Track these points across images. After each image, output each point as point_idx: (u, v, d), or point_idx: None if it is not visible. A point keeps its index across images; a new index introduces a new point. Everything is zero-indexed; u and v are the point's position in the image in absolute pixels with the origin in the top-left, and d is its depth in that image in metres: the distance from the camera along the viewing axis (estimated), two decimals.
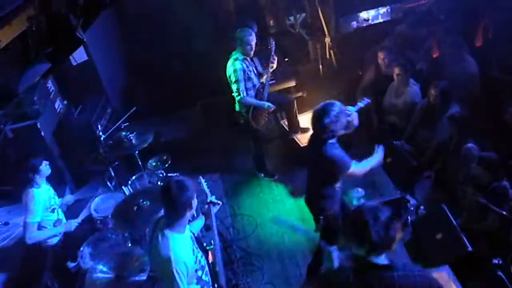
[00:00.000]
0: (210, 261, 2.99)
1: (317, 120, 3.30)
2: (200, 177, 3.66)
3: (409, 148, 5.31)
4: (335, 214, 3.67)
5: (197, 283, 2.78)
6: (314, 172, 3.71)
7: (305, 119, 5.97)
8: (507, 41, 5.50)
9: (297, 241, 4.61)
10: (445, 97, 4.82)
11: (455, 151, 4.42)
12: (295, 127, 5.64)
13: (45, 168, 4.04)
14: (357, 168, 3.47)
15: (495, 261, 3.67)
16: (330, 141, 3.37)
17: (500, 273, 3.41)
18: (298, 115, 5.66)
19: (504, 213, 3.42)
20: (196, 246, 2.85)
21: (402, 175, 4.85)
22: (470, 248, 3.67)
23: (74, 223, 4.23)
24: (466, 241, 3.72)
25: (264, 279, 4.24)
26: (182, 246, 2.68)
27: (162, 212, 2.82)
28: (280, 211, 5.02)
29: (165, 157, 5.09)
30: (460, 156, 4.33)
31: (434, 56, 5.90)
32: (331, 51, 6.06)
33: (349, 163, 3.39)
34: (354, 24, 6.30)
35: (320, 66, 6.27)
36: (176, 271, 2.56)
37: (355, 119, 3.58)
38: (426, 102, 5.12)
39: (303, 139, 5.60)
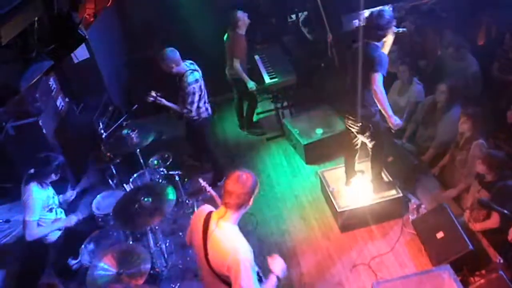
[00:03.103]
0: None
1: (371, 20, 3.80)
2: (200, 179, 3.70)
3: (410, 147, 5.31)
4: (379, 120, 4.16)
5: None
6: (354, 82, 3.96)
7: (305, 119, 5.99)
8: (508, 40, 5.49)
9: (298, 240, 4.61)
10: (452, 96, 4.82)
11: (465, 146, 4.42)
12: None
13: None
14: (382, 86, 3.80)
15: (497, 260, 3.68)
16: (375, 43, 3.83)
17: (501, 272, 3.41)
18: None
19: (506, 212, 3.41)
20: None
21: (404, 173, 4.86)
22: (471, 247, 3.67)
23: (74, 218, 4.23)
24: (467, 240, 3.73)
25: (264, 277, 4.24)
26: (242, 237, 2.60)
27: (205, 209, 2.76)
28: (281, 210, 5.02)
29: (166, 155, 5.09)
30: (468, 152, 4.33)
31: (437, 54, 5.89)
32: (333, 49, 6.05)
33: (385, 66, 3.80)
34: (356, 22, 6.28)
35: (322, 64, 6.27)
36: (246, 259, 2.47)
37: (391, 38, 4.00)
38: (431, 101, 5.13)
39: (304, 137, 5.61)
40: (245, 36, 5.87)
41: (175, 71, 4.75)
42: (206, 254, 2.61)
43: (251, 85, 5.90)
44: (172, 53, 4.69)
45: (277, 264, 2.82)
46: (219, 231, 2.57)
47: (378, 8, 3.87)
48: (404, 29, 4.21)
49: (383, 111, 3.98)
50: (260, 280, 2.70)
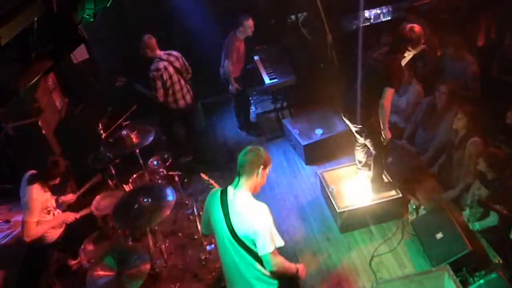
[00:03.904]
0: None
1: (403, 33, 3.79)
2: (202, 174, 3.74)
3: (410, 147, 5.31)
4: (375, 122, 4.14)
5: None
6: (365, 88, 4.02)
7: (305, 119, 5.99)
8: (508, 41, 5.49)
9: (297, 241, 4.61)
10: (452, 98, 4.82)
11: (461, 145, 4.42)
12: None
13: None
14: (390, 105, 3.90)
15: (496, 260, 3.68)
16: (398, 56, 3.84)
17: (501, 272, 3.41)
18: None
19: (505, 212, 3.42)
20: None
21: (403, 174, 4.87)
22: (470, 248, 3.68)
23: (72, 215, 4.24)
24: (466, 240, 3.73)
25: None
26: (256, 200, 2.83)
27: (217, 190, 2.95)
28: (280, 210, 5.02)
29: (166, 156, 5.09)
30: (464, 151, 4.33)
31: (437, 55, 5.89)
32: (333, 50, 6.05)
33: (399, 81, 3.90)
34: (356, 23, 6.29)
35: (322, 64, 6.27)
36: (269, 219, 2.72)
37: (411, 55, 3.93)
38: (429, 102, 5.12)
39: (303, 138, 5.61)
40: (243, 41, 5.88)
41: (149, 55, 5.18)
42: (229, 226, 2.77)
43: (231, 88, 5.98)
44: (148, 39, 5.15)
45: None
46: (238, 201, 2.79)
47: (410, 24, 3.85)
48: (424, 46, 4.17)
49: (381, 123, 4.02)
50: None
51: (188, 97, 5.48)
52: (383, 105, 3.88)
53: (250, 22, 5.71)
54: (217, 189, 3.01)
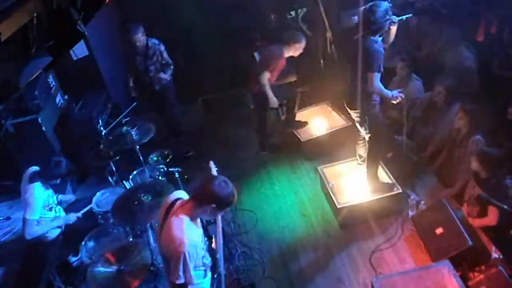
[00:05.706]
0: (212, 247, 3.06)
1: (364, 15, 3.84)
2: (211, 162, 3.75)
3: (410, 143, 5.31)
4: (377, 113, 4.24)
5: (202, 266, 2.84)
6: (354, 74, 4.04)
7: (305, 115, 5.98)
8: (507, 36, 5.48)
9: (297, 236, 4.62)
10: (450, 95, 4.81)
11: (463, 143, 4.42)
12: (293, 122, 5.81)
13: None
14: (379, 83, 3.92)
15: (495, 255, 3.68)
16: (372, 37, 3.88)
17: (500, 267, 3.41)
18: (299, 109, 5.70)
19: (505, 207, 3.41)
20: (203, 233, 2.91)
21: (403, 170, 4.87)
22: (470, 243, 3.68)
23: (73, 216, 4.24)
24: (467, 235, 3.74)
25: (264, 273, 4.25)
26: (194, 232, 2.73)
27: (172, 198, 2.88)
28: (281, 206, 5.03)
29: (166, 152, 5.09)
30: (466, 148, 4.33)
31: (436, 50, 5.88)
32: (332, 46, 6.04)
33: (380, 63, 3.86)
34: (355, 18, 6.27)
35: (322, 61, 6.26)
36: (188, 253, 2.59)
37: (394, 28, 3.99)
38: (429, 99, 5.12)
39: (303, 133, 5.61)
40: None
41: (147, 41, 5.42)
42: (160, 236, 2.79)
43: (271, 101, 5.32)
44: (139, 27, 5.36)
45: None
46: (174, 219, 2.70)
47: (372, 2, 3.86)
48: (409, 15, 4.16)
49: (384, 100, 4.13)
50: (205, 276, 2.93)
51: None
52: (374, 91, 3.97)
53: (304, 43, 5.30)
54: (173, 195, 2.93)
